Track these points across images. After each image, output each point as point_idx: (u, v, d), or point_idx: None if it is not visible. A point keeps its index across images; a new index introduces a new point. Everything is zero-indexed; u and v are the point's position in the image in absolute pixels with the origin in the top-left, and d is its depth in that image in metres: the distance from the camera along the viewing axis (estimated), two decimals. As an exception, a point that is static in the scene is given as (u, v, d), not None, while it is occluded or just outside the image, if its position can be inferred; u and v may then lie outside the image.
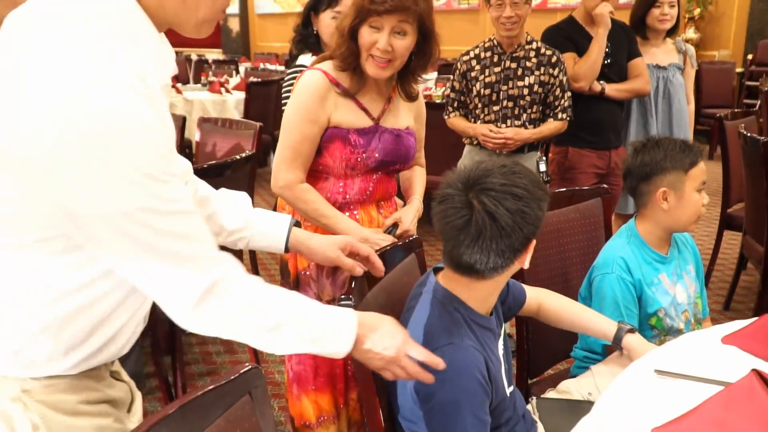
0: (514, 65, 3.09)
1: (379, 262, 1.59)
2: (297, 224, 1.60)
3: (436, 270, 1.54)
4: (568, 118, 3.14)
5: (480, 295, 1.46)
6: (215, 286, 1.09)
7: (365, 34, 1.92)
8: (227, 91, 6.89)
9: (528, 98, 3.09)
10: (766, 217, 3.26)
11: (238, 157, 2.98)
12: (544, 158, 3.18)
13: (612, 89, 3.37)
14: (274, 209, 2.96)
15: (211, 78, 7.53)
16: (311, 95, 1.97)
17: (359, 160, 2.00)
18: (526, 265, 1.43)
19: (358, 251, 1.59)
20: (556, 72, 3.09)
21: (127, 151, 0.96)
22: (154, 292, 1.09)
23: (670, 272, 1.94)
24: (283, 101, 2.78)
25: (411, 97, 2.10)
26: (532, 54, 3.10)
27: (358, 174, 2.04)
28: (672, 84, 3.57)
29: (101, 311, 1.12)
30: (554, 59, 3.09)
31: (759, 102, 7.23)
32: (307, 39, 2.83)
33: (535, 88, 3.08)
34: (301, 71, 2.74)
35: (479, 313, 1.47)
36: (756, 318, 1.57)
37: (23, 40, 0.98)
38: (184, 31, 1.12)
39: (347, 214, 2.04)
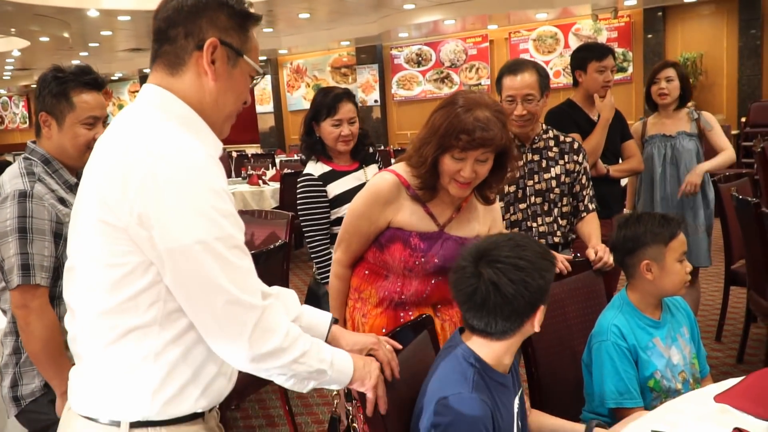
0: (536, 157, 2.68)
1: (394, 371, 1.58)
2: (335, 321, 1.64)
3: (461, 330, 1.59)
4: (597, 209, 2.71)
5: (495, 353, 1.51)
6: (263, 316, 1.21)
7: (448, 164, 1.84)
8: (264, 182, 7.07)
9: (557, 190, 2.67)
10: (765, 273, 3.22)
11: (272, 246, 3.06)
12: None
13: (614, 170, 3.36)
14: (309, 288, 3.03)
15: (250, 171, 7.73)
16: (376, 198, 1.95)
17: (417, 263, 1.95)
18: (537, 329, 1.49)
19: (377, 356, 1.57)
20: (580, 158, 2.68)
21: (203, 192, 1.17)
22: (212, 326, 1.20)
23: (664, 336, 1.93)
24: (298, 209, 2.83)
25: (488, 201, 2.01)
26: (552, 143, 2.69)
27: (416, 277, 1.98)
28: (678, 151, 3.58)
29: (201, 353, 1.26)
30: (576, 145, 2.70)
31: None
32: (313, 146, 2.87)
33: (563, 178, 2.66)
34: (307, 180, 2.78)
35: (495, 370, 1.51)
36: (744, 376, 1.55)
37: (118, 140, 1.24)
38: (214, 128, 1.33)
39: (402, 314, 2.00)
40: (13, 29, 10.02)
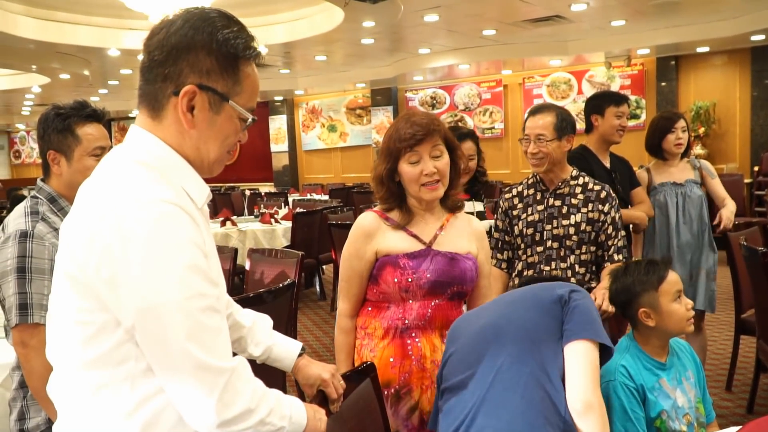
0: (558, 203, 2.72)
1: (337, 405, 1.66)
2: (303, 351, 1.68)
3: None
4: (624, 259, 2.68)
5: None
6: (230, 379, 1.17)
7: (408, 170, 2.00)
8: (276, 221, 7.13)
9: (575, 237, 2.67)
10: (774, 322, 3.22)
11: (280, 285, 3.11)
12: None
13: (627, 216, 3.36)
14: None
15: (263, 210, 7.81)
16: (358, 234, 2.09)
17: (410, 280, 2.02)
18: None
19: (327, 392, 1.65)
20: (606, 208, 2.67)
21: (170, 248, 1.11)
22: (178, 389, 1.15)
23: (670, 377, 1.95)
24: None
25: (456, 204, 2.13)
26: (578, 190, 2.71)
27: (415, 299, 2.04)
28: (690, 198, 3.64)
29: (171, 418, 1.20)
30: (603, 195, 2.69)
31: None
32: None
33: (583, 226, 2.66)
34: None
35: None
36: (740, 426, 1.56)
37: (92, 191, 1.20)
38: (201, 172, 1.29)
39: (409, 341, 2.05)
40: (34, 66, 10.26)
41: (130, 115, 17.62)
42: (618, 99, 3.45)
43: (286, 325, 3.35)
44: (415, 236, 2.08)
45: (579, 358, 1.58)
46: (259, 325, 1.64)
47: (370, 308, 2.13)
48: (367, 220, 2.10)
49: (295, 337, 3.84)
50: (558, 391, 1.54)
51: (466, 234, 2.14)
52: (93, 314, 1.14)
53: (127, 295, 1.11)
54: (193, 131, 1.23)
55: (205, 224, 1.32)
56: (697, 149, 9.85)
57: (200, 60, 1.21)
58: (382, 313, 2.09)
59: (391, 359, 2.04)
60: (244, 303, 2.82)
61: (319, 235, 6.85)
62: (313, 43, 9.58)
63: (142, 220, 1.10)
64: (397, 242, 2.07)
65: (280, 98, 15.35)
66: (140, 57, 1.29)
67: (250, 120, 1.28)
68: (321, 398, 1.64)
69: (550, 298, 1.66)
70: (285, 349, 1.65)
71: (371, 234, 2.07)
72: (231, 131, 1.27)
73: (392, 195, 2.06)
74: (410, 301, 2.05)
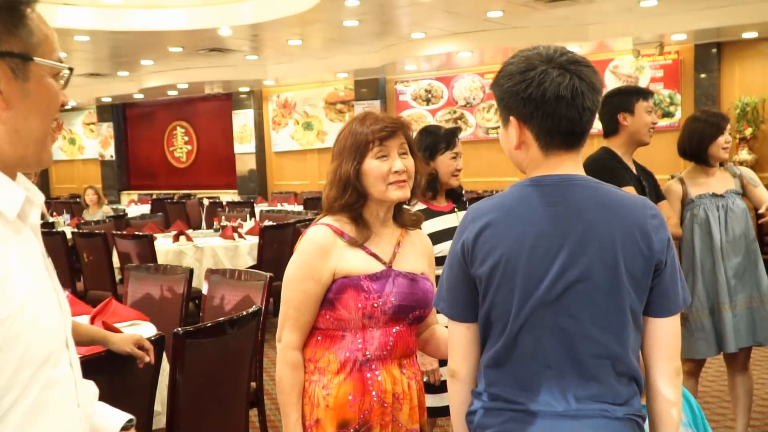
0: None
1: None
2: (130, 425, 1.59)
3: None
4: None
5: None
6: None
7: (375, 166, 2.11)
8: (240, 236, 7.12)
9: None
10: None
11: (244, 313, 3.10)
12: None
13: None
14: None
15: (224, 223, 7.80)
16: (314, 252, 2.13)
17: (376, 306, 2.09)
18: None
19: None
20: None
21: None
22: None
23: None
24: None
25: (409, 224, 2.26)
26: None
27: (376, 326, 2.11)
28: (732, 211, 3.67)
29: None
30: None
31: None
32: (433, 182, 3.21)
33: None
34: None
35: None
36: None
37: None
38: (31, 163, 1.22)
39: (369, 374, 2.09)
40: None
41: (65, 107, 17.58)
42: (645, 92, 3.54)
43: (250, 361, 3.34)
44: (374, 255, 2.16)
45: (670, 331, 1.74)
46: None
47: (320, 338, 2.16)
48: (321, 234, 2.16)
49: (260, 376, 3.83)
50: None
51: (419, 252, 2.28)
52: None
53: None
54: (6, 113, 1.16)
55: (29, 248, 1.22)
56: (743, 154, 9.94)
57: None
58: (336, 344, 2.13)
59: (350, 396, 2.09)
60: (201, 334, 2.83)
61: (291, 254, 6.80)
62: (286, 24, 9.61)
63: None
64: (356, 262, 2.13)
65: (246, 89, 15.36)
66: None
67: (65, 71, 1.23)
68: None
69: (649, 257, 1.67)
70: (106, 422, 1.54)
71: (328, 251, 2.12)
72: (50, 96, 1.22)
73: (360, 198, 2.13)
74: (370, 329, 2.11)
